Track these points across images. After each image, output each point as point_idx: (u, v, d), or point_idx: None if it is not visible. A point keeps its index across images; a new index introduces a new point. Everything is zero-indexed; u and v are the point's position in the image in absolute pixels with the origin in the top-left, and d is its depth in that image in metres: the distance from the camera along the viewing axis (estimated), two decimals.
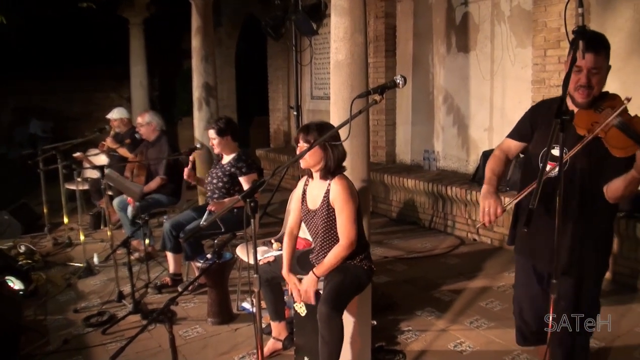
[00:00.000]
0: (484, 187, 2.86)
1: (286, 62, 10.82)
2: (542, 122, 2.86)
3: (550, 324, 2.37)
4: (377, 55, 8.38)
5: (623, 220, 5.02)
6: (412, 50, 8.22)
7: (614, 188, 2.57)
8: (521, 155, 3.22)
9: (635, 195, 4.94)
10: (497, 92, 7.05)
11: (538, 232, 2.68)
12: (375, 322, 4.01)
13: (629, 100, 2.59)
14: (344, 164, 3.50)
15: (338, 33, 3.77)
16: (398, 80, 2.86)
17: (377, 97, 2.81)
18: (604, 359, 3.82)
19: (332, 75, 3.83)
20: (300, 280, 3.45)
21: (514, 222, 3.09)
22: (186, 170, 5.10)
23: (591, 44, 2.55)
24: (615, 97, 2.69)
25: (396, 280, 5.38)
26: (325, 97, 9.79)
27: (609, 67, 2.69)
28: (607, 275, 5.12)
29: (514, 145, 3.03)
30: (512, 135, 3.06)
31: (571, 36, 2.47)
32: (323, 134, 3.28)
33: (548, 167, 2.67)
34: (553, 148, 2.68)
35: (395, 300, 4.77)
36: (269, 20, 7.11)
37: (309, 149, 2.95)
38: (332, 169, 3.39)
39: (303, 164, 3.45)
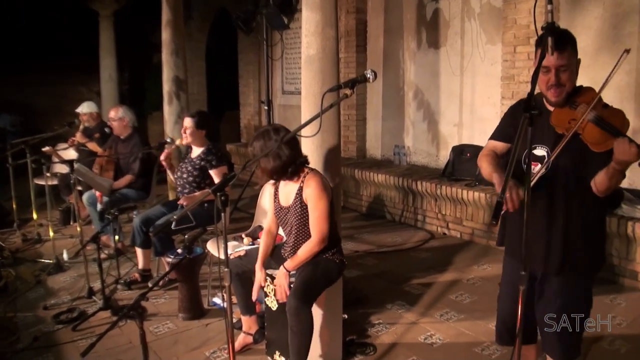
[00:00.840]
0: (496, 178, 2.72)
1: (257, 57, 10.78)
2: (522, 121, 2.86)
3: (519, 318, 2.39)
4: (348, 51, 8.40)
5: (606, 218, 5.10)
6: (383, 46, 8.26)
7: (599, 182, 2.56)
8: None
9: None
10: (466, 88, 7.12)
11: (528, 232, 2.65)
12: (346, 316, 4.03)
13: (627, 52, 2.60)
14: (312, 157, 3.50)
15: (309, 27, 3.78)
16: (368, 75, 2.87)
17: (347, 91, 2.81)
18: None
19: (303, 70, 3.83)
20: (270, 277, 3.46)
21: (502, 223, 3.06)
22: (166, 151, 5.03)
23: (555, 42, 2.57)
24: (589, 90, 2.69)
25: (367, 274, 5.41)
26: (296, 92, 9.78)
27: (578, 61, 2.69)
28: None
29: (499, 146, 2.97)
30: (496, 137, 3.00)
31: (540, 33, 2.47)
32: (266, 143, 3.31)
33: (533, 168, 2.68)
34: (535, 148, 2.70)
35: (366, 294, 4.79)
36: (240, 14, 7.07)
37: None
38: (291, 171, 3.39)
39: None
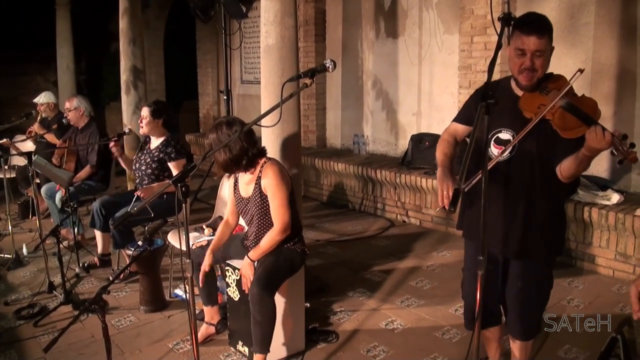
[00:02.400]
0: (439, 170, 2.81)
1: (215, 46, 10.69)
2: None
3: (478, 301, 2.44)
4: (307, 40, 8.39)
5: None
6: (342, 35, 8.27)
7: (566, 168, 2.59)
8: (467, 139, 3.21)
9: None
10: (424, 78, 7.19)
11: (489, 217, 2.69)
12: (308, 304, 4.05)
13: (581, 71, 2.62)
14: (272, 147, 3.50)
15: (268, 16, 3.77)
16: (328, 65, 2.89)
17: (307, 80, 2.82)
18: None
19: (262, 59, 3.83)
20: (232, 268, 3.47)
21: (462, 206, 3.10)
22: (113, 146, 4.98)
23: (534, 26, 2.59)
24: (560, 77, 2.74)
25: (328, 262, 5.45)
26: (255, 82, 9.74)
27: (552, 49, 2.72)
28: None
29: (461, 128, 3.01)
30: (458, 119, 3.04)
31: (497, 23, 2.51)
32: (218, 136, 3.33)
33: (497, 152, 2.72)
34: (500, 132, 2.73)
35: (328, 282, 4.83)
36: (198, 2, 6.99)
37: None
38: (245, 163, 3.39)
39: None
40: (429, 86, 7.13)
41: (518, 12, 5.93)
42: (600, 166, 5.61)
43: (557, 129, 2.56)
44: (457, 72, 6.49)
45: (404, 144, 7.34)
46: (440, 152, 2.94)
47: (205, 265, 3.56)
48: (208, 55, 11.00)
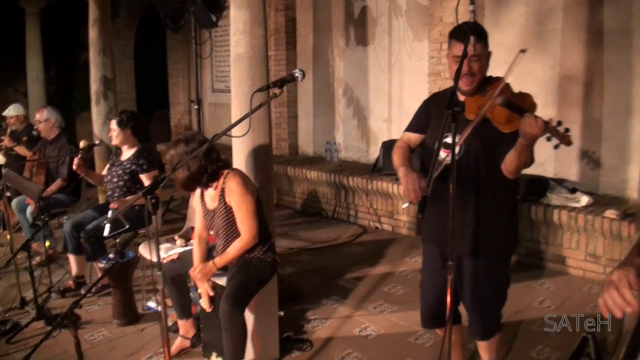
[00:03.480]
0: (401, 169, 2.86)
1: (186, 55, 10.66)
2: (434, 113, 2.99)
3: (448, 304, 2.48)
4: (277, 48, 8.41)
5: (518, 203, 5.30)
6: (313, 43, 8.31)
7: (508, 162, 2.68)
8: None
9: (528, 180, 5.30)
10: (395, 84, 7.25)
11: (439, 218, 2.77)
12: (282, 313, 4.05)
13: (523, 52, 2.74)
14: (243, 156, 3.50)
15: (238, 26, 3.78)
16: (297, 74, 2.91)
17: (276, 90, 2.84)
18: (505, 333, 4.02)
19: (232, 69, 3.83)
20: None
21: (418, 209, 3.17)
22: (75, 160, 4.87)
23: (469, 34, 2.69)
24: (498, 79, 2.83)
25: (301, 270, 5.45)
26: (226, 90, 9.72)
27: (489, 54, 2.84)
28: None
29: (413, 137, 3.11)
30: (410, 128, 3.15)
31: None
32: (177, 153, 3.32)
33: (443, 155, 2.78)
34: (446, 137, 2.79)
35: (301, 290, 4.83)
36: (168, 11, 6.97)
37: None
38: (206, 180, 3.38)
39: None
40: (399, 93, 7.19)
41: (487, 19, 6.05)
42: (569, 170, 5.70)
43: (497, 125, 2.67)
44: (426, 79, 6.55)
45: (375, 150, 7.38)
46: (398, 157, 3.03)
47: (206, 291, 3.45)
48: (179, 65, 10.96)
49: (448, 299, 2.48)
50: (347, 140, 7.98)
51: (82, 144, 5.12)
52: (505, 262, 3.04)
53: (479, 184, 2.81)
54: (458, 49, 2.71)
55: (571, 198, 5.20)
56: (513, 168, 2.69)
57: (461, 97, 2.84)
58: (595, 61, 5.47)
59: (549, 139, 2.48)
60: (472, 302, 2.97)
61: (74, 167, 4.90)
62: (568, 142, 2.46)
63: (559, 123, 2.45)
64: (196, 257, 3.61)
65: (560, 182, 5.53)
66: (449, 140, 2.79)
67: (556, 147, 2.48)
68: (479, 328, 3.04)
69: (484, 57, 2.79)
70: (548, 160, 5.74)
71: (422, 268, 3.22)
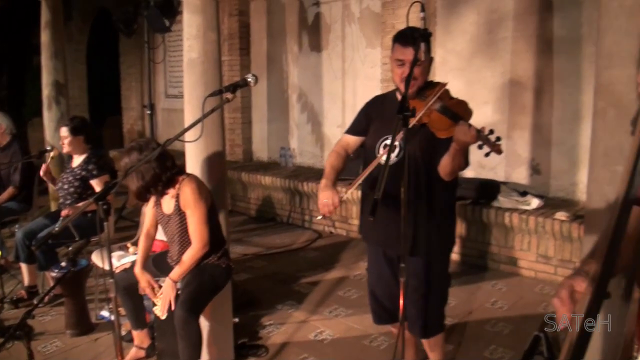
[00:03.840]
0: (322, 181, 2.98)
1: (139, 59, 10.54)
2: (375, 116, 3.07)
3: (401, 306, 2.51)
4: (231, 54, 8.38)
5: (470, 206, 5.42)
6: (267, 49, 8.30)
7: (443, 165, 2.76)
8: None
9: (479, 183, 5.40)
10: (348, 90, 7.30)
11: (382, 219, 2.82)
12: (237, 320, 4.03)
13: (445, 85, 2.84)
14: (197, 162, 3.46)
15: (191, 31, 3.75)
16: (249, 79, 2.91)
17: (229, 95, 2.83)
18: (459, 334, 4.10)
19: (185, 74, 3.80)
20: (160, 286, 3.40)
21: (361, 211, 3.27)
22: (43, 166, 4.77)
23: (410, 38, 2.76)
24: (438, 84, 2.90)
25: (256, 276, 5.43)
26: (180, 96, 9.63)
27: (431, 59, 2.91)
28: (457, 257, 5.53)
29: (352, 140, 3.18)
30: (349, 131, 3.21)
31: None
32: (131, 161, 3.27)
33: (384, 158, 2.84)
34: (387, 139, 2.90)
35: (256, 296, 4.81)
36: (120, 15, 6.88)
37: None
38: (162, 187, 3.34)
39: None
40: (352, 99, 7.23)
41: (438, 27, 6.16)
42: (519, 173, 5.82)
43: (434, 131, 2.75)
44: (379, 85, 6.61)
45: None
46: (329, 164, 3.11)
47: (148, 282, 3.42)
48: (132, 69, 10.82)
49: (401, 301, 2.51)
50: (301, 145, 8.00)
51: (52, 153, 5.01)
52: (443, 261, 3.12)
53: (417, 185, 2.88)
54: (400, 52, 2.79)
55: (522, 201, 5.31)
56: (447, 171, 2.77)
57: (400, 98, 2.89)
58: (545, 68, 5.61)
59: (480, 147, 2.56)
60: (413, 300, 3.02)
61: (41, 173, 4.80)
62: (498, 151, 2.55)
63: (491, 132, 2.54)
64: (140, 253, 3.56)
65: (511, 186, 5.65)
66: (388, 142, 2.87)
67: (487, 155, 2.57)
68: (418, 325, 3.09)
69: (426, 62, 2.85)
70: (499, 164, 5.86)
71: (368, 267, 3.30)
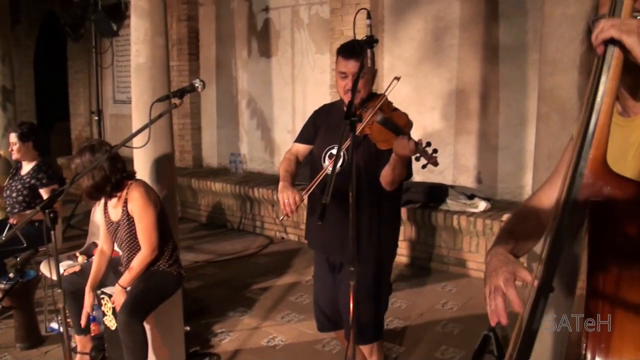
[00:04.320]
0: (281, 183, 2.99)
1: (87, 64, 10.31)
2: (322, 125, 3.11)
3: (351, 310, 2.52)
4: (180, 59, 8.30)
5: (419, 210, 5.49)
6: (215, 54, 8.26)
7: (384, 175, 2.81)
8: None
9: (427, 187, 5.47)
10: (298, 96, 7.31)
11: (325, 226, 2.84)
12: (188, 328, 3.99)
13: (398, 79, 2.87)
14: (145, 168, 3.43)
15: (138, 35, 3.72)
16: (197, 85, 2.89)
17: (177, 100, 2.81)
18: (410, 336, 4.15)
19: (133, 79, 3.76)
20: (108, 295, 3.35)
21: (307, 218, 3.29)
22: None
23: (353, 51, 2.82)
24: (380, 96, 2.95)
25: (208, 283, 5.38)
26: (128, 101, 9.48)
27: (375, 71, 2.98)
28: (406, 260, 5.59)
29: (302, 148, 3.22)
30: (299, 139, 3.25)
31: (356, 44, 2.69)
32: (82, 162, 3.23)
33: (330, 168, 2.88)
34: (333, 148, 2.95)
35: (208, 304, 4.77)
36: (68, 19, 6.76)
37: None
38: (110, 189, 3.30)
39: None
40: (302, 104, 7.25)
41: (386, 34, 6.24)
42: (467, 177, 5.93)
43: (375, 142, 2.80)
44: (329, 91, 6.65)
45: (279, 161, 7.35)
46: (283, 169, 3.12)
47: (87, 307, 3.38)
48: (79, 75, 10.58)
49: (351, 305, 2.53)
50: (251, 151, 7.97)
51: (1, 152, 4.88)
52: (384, 270, 3.15)
53: (360, 195, 2.89)
54: (343, 65, 2.84)
55: (470, 204, 5.41)
56: (388, 181, 2.82)
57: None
58: (491, 75, 5.73)
59: (417, 159, 2.61)
60: (349, 307, 3.04)
61: None
62: (435, 163, 2.60)
63: (428, 144, 2.59)
64: (93, 270, 3.49)
65: (459, 189, 5.74)
66: (333, 151, 2.94)
67: (424, 166, 2.62)
68: (357, 334, 3.10)
69: (369, 74, 2.90)
70: (447, 168, 5.96)
71: (314, 274, 3.33)
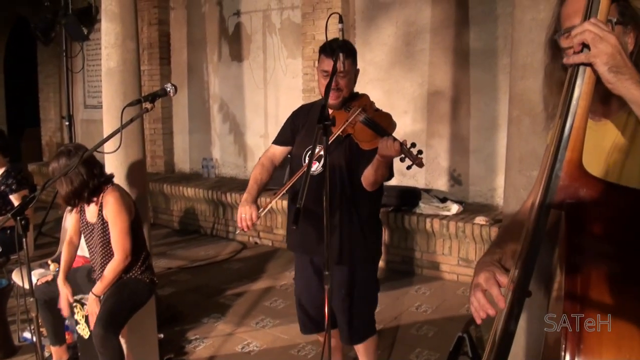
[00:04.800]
0: (244, 195, 2.99)
1: (58, 69, 10.17)
2: (302, 125, 3.10)
3: (326, 314, 2.51)
4: (151, 63, 8.23)
5: (392, 213, 5.51)
6: (187, 58, 8.21)
7: (366, 175, 2.80)
8: None
9: (400, 190, 5.50)
10: (270, 100, 7.30)
11: (308, 228, 2.86)
12: (161, 335, 3.96)
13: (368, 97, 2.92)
14: (117, 173, 3.39)
15: (109, 39, 3.68)
16: (168, 89, 2.87)
17: (148, 105, 2.78)
18: (385, 339, 4.15)
19: (104, 83, 3.72)
20: (81, 303, 3.30)
21: (288, 221, 3.29)
22: None
23: (334, 50, 2.80)
24: (363, 96, 2.99)
25: (181, 290, 5.33)
26: (99, 106, 9.33)
27: (357, 71, 2.98)
28: (381, 263, 5.60)
29: (279, 150, 3.21)
30: (276, 141, 3.24)
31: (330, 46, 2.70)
32: (60, 166, 3.18)
33: (312, 167, 2.87)
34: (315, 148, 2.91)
35: (181, 310, 4.72)
36: (39, 23, 6.66)
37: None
38: (88, 194, 3.26)
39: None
40: (275, 109, 7.24)
41: (358, 38, 6.26)
42: (439, 180, 5.97)
43: (358, 142, 2.81)
44: (301, 95, 6.66)
45: (252, 166, 7.31)
46: (252, 178, 3.12)
47: (66, 296, 3.33)
48: (50, 79, 10.40)
49: (326, 308, 2.52)
50: (224, 156, 7.93)
51: None
52: (371, 269, 3.16)
53: (342, 195, 2.93)
54: (326, 64, 2.84)
55: (442, 207, 5.45)
56: (370, 182, 2.82)
57: (330, 111, 2.92)
58: (462, 79, 5.79)
59: (402, 160, 2.63)
60: (341, 308, 3.05)
61: None
62: (420, 164, 2.61)
63: (413, 145, 2.61)
64: (63, 261, 3.46)
65: (431, 192, 5.78)
66: (317, 151, 2.90)
67: (409, 167, 2.64)
68: (348, 332, 3.13)
69: (352, 74, 2.91)
70: (419, 172, 5.98)
71: (295, 276, 3.32)
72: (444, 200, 5.59)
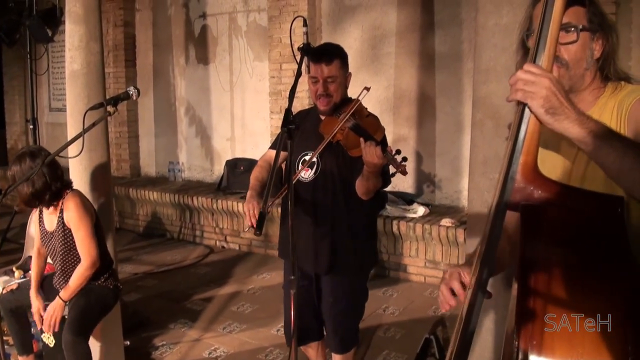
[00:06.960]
0: (248, 193, 2.90)
1: (22, 71, 9.99)
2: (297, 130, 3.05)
3: (292, 320, 2.49)
4: (117, 65, 8.14)
5: (376, 220, 5.51)
6: (153, 61, 8.14)
7: (358, 185, 2.76)
8: None
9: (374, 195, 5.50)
10: (237, 103, 7.28)
11: (299, 236, 2.81)
12: (127, 342, 3.91)
13: (367, 89, 2.86)
14: (81, 178, 3.35)
15: (73, 41, 3.64)
16: (131, 92, 2.84)
17: (111, 108, 2.75)
18: None
19: (67, 86, 3.68)
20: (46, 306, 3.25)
21: (280, 225, 3.23)
22: None
23: (323, 55, 2.81)
24: (355, 101, 2.91)
25: (147, 295, 5.27)
26: (64, 109, 9.20)
27: (348, 75, 2.96)
28: None
29: (275, 154, 3.16)
30: (272, 146, 3.19)
31: (297, 53, 2.68)
32: (21, 168, 3.13)
33: (304, 173, 2.88)
34: (307, 154, 2.88)
35: (148, 316, 4.67)
36: (3, 24, 6.54)
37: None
38: (48, 198, 3.21)
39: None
40: (241, 112, 7.23)
41: (324, 41, 6.25)
42: (406, 182, 6.01)
43: (347, 149, 2.76)
44: (268, 98, 6.65)
45: (219, 169, 7.35)
46: (253, 177, 3.04)
47: (38, 309, 3.28)
48: (14, 82, 10.21)
49: (292, 314, 2.50)
50: (190, 159, 7.88)
51: None
52: (363, 278, 3.12)
53: (334, 203, 2.88)
54: (313, 69, 2.83)
55: (409, 209, 5.49)
56: (362, 191, 2.77)
57: (322, 117, 2.92)
58: (428, 82, 5.85)
59: (385, 167, 2.60)
60: (330, 317, 3.02)
61: None
62: (403, 172, 2.56)
63: (398, 152, 2.56)
64: (34, 273, 3.40)
65: (397, 194, 5.82)
66: (307, 157, 2.87)
67: (392, 175, 2.62)
68: (336, 341, 3.08)
69: (341, 78, 2.88)
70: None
71: (283, 284, 3.26)
72: (410, 202, 5.63)
